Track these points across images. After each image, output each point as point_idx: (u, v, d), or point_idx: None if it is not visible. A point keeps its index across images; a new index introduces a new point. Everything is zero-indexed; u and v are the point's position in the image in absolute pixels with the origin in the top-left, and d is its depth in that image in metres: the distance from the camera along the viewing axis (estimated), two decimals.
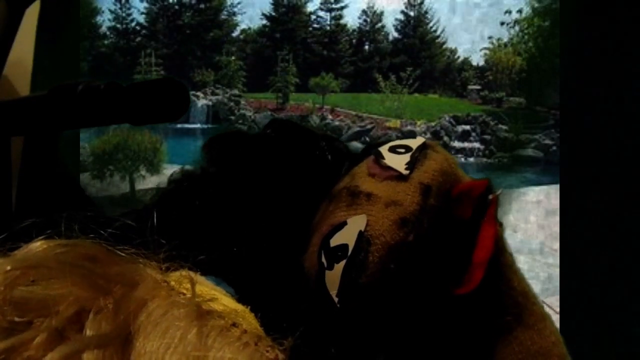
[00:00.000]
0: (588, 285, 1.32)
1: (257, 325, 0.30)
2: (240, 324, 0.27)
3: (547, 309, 0.47)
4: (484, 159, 2.87)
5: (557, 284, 1.39)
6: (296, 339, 0.27)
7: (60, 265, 0.26)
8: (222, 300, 0.30)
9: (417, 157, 0.44)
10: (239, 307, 0.31)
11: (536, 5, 2.49)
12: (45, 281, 0.26)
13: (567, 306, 1.33)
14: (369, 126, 3.46)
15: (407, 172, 0.43)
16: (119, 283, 0.27)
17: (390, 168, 0.43)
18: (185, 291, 0.28)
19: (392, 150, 0.45)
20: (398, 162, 0.43)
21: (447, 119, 3.21)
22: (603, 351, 1.23)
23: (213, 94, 3.17)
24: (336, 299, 0.41)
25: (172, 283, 0.28)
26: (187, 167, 0.51)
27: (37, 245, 0.28)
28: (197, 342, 0.25)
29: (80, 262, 0.27)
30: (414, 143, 0.45)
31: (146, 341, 0.25)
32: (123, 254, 0.29)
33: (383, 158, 0.44)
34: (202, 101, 3.23)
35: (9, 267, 0.26)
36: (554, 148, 2.55)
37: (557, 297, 1.37)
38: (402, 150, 0.44)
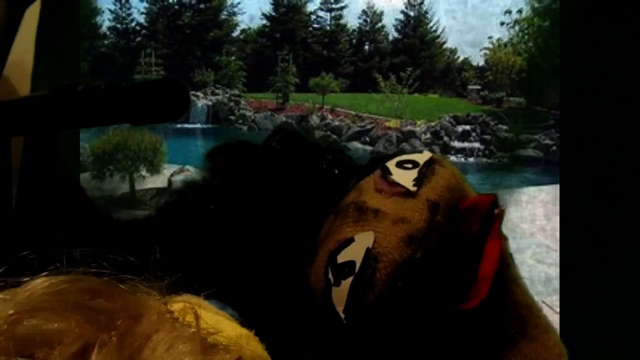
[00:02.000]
0: (588, 285, 1.32)
1: (262, 351, 0.30)
2: (246, 356, 0.27)
3: (547, 309, 0.47)
4: (484, 159, 2.87)
5: (557, 284, 1.39)
6: None
7: (63, 304, 0.26)
8: (227, 328, 0.30)
9: (425, 173, 0.44)
10: (244, 332, 0.31)
11: (536, 5, 2.50)
12: (52, 317, 0.25)
13: (567, 306, 1.33)
14: (369, 126, 3.46)
15: (414, 188, 0.43)
16: (123, 317, 0.26)
17: (397, 184, 0.43)
18: (189, 322, 0.27)
19: (400, 165, 0.45)
20: (405, 178, 0.43)
21: (447, 119, 3.21)
22: (603, 352, 1.23)
23: (213, 94, 3.17)
24: (343, 316, 0.41)
25: (176, 314, 0.28)
26: (190, 175, 0.51)
27: (39, 283, 0.27)
28: None
29: (82, 298, 0.27)
30: (421, 158, 0.45)
31: None
32: (125, 287, 0.29)
33: (390, 174, 0.44)
34: (202, 101, 3.23)
35: (11, 311, 0.26)
36: (554, 148, 2.55)
37: (557, 297, 1.37)
38: (410, 166, 0.44)
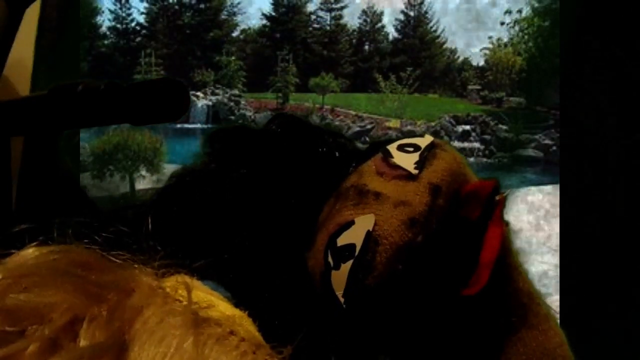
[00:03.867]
0: (588, 285, 1.32)
1: (255, 331, 0.29)
2: (238, 332, 0.26)
3: (545, 302, 0.47)
4: (484, 159, 2.87)
5: (557, 284, 1.39)
6: (296, 346, 0.26)
7: (53, 273, 0.26)
8: (219, 306, 0.29)
9: (426, 157, 0.43)
10: (237, 312, 0.30)
11: (536, 5, 2.49)
12: (38, 289, 0.25)
13: (567, 306, 1.33)
14: (369, 126, 3.45)
15: (416, 171, 0.42)
16: (113, 290, 0.26)
17: (399, 167, 0.43)
18: (181, 298, 0.27)
19: (401, 148, 0.44)
20: (407, 161, 0.43)
21: (447, 119, 3.21)
22: (603, 351, 1.23)
23: (213, 94, 3.16)
24: (342, 299, 0.41)
25: (168, 290, 0.28)
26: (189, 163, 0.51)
27: (29, 253, 0.27)
28: (194, 351, 0.24)
29: (73, 269, 0.26)
30: (423, 142, 0.45)
31: (141, 350, 0.24)
32: (117, 260, 0.28)
33: (392, 157, 0.43)
34: (202, 101, 3.22)
35: (0, 276, 0.26)
36: (554, 148, 2.55)
37: (557, 297, 1.37)
38: (411, 149, 0.44)
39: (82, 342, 0.24)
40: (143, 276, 0.28)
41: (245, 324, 0.29)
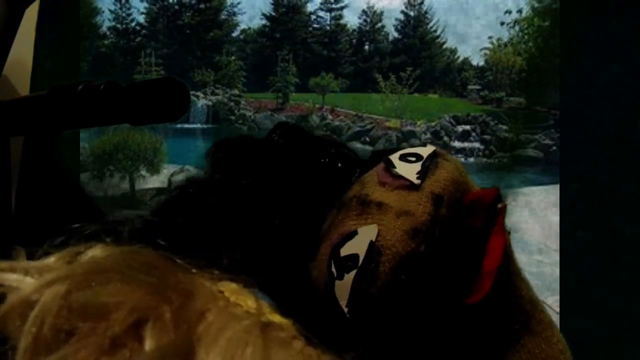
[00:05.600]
0: (588, 285, 1.32)
1: (312, 338, 0.29)
2: (301, 337, 0.26)
3: (546, 309, 0.47)
4: (484, 159, 2.87)
5: (557, 284, 1.39)
6: (357, 353, 0.26)
7: (121, 273, 0.26)
8: (274, 312, 0.29)
9: (428, 166, 0.43)
10: (289, 320, 0.30)
11: (536, 5, 2.50)
12: (106, 288, 0.25)
13: (567, 306, 1.33)
14: (369, 126, 3.45)
15: (418, 181, 0.42)
16: (177, 292, 0.26)
17: (401, 177, 0.43)
18: (241, 303, 0.27)
19: (403, 158, 0.44)
20: (409, 171, 0.43)
21: (447, 119, 3.21)
22: (603, 351, 1.23)
23: (213, 94, 3.16)
24: (346, 310, 0.41)
25: (227, 294, 0.28)
26: (191, 171, 0.51)
27: (98, 252, 0.27)
28: (262, 356, 0.24)
29: (140, 270, 0.27)
30: (425, 151, 0.45)
31: (207, 354, 0.24)
32: (180, 262, 0.28)
33: (394, 167, 0.43)
34: (202, 101, 3.22)
35: (73, 273, 0.26)
36: (554, 148, 2.55)
37: (557, 297, 1.37)
38: (413, 159, 0.44)
39: (148, 343, 0.23)
40: (203, 280, 0.28)
41: (301, 331, 0.29)
